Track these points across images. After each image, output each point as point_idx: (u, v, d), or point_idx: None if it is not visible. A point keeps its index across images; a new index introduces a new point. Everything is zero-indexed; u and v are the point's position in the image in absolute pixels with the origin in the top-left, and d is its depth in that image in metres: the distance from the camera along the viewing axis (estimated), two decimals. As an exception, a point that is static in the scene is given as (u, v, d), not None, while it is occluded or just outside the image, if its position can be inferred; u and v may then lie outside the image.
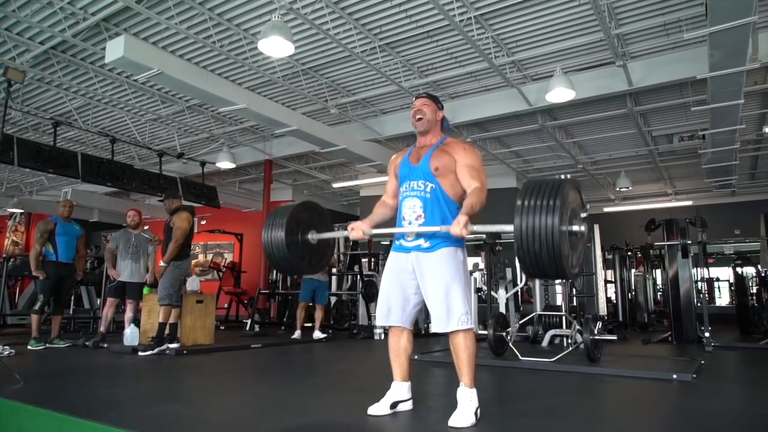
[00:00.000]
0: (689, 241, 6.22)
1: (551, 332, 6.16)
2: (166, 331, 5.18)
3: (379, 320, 2.60)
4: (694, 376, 3.60)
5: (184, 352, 5.06)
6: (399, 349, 2.59)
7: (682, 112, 8.75)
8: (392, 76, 7.24)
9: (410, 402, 2.61)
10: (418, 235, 2.50)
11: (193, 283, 5.97)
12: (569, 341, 4.54)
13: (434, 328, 2.44)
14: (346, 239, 9.93)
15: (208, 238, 13.48)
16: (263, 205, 10.85)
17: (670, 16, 5.93)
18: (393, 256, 2.63)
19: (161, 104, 8.57)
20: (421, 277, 2.48)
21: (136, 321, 5.82)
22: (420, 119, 2.61)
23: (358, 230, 2.61)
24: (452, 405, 2.39)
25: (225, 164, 9.70)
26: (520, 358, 4.42)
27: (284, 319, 8.92)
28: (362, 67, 7.24)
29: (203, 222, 13.82)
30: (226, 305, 11.65)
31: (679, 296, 6.76)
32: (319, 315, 6.97)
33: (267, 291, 9.02)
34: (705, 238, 6.38)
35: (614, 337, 4.34)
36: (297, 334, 6.76)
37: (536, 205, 1.98)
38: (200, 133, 9.83)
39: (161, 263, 5.18)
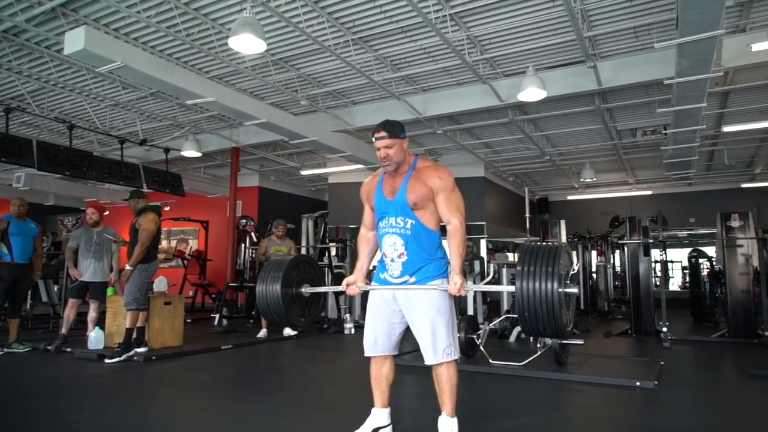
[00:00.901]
0: (651, 240, 6.44)
1: (519, 328, 6.32)
2: (134, 336, 5.06)
3: (367, 351, 2.61)
4: (656, 383, 3.76)
5: (153, 357, 4.96)
6: (381, 377, 2.61)
7: (647, 109, 8.97)
8: (365, 70, 7.14)
9: (390, 428, 2.64)
10: (403, 272, 2.48)
11: (160, 284, 5.82)
12: (539, 345, 4.67)
13: (426, 360, 2.48)
14: (315, 225, 9.87)
15: (172, 224, 13.16)
16: (230, 193, 10.63)
17: (641, 20, 6.02)
18: (377, 289, 2.61)
19: (123, 90, 8.21)
20: (407, 308, 2.50)
21: (101, 323, 5.66)
22: (388, 164, 2.49)
23: (353, 288, 2.62)
24: (430, 426, 2.44)
25: (190, 152, 9.43)
26: (491, 362, 4.52)
27: (253, 312, 8.83)
28: (335, 59, 7.09)
29: (167, 208, 13.48)
30: (191, 293, 11.49)
31: (639, 292, 7.02)
32: (289, 311, 6.92)
33: (235, 284, 8.88)
34: (665, 237, 6.61)
35: (581, 342, 4.49)
36: (262, 333, 6.68)
37: (536, 271, 2.15)
38: (164, 120, 9.50)
39: (127, 266, 5.03)
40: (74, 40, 5.13)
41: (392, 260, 2.49)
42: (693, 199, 13.74)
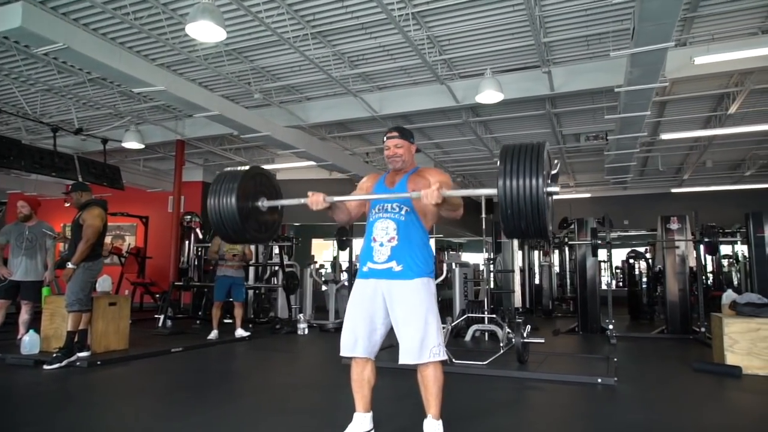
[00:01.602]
0: (599, 242, 6.71)
1: (474, 327, 6.41)
2: (75, 339, 4.70)
3: (344, 351, 2.52)
4: (616, 379, 3.90)
5: (98, 362, 4.63)
6: (362, 381, 2.52)
7: (591, 115, 9.36)
8: (323, 65, 6.99)
9: (372, 432, 2.57)
10: (390, 257, 2.45)
11: (104, 284, 5.44)
12: (502, 344, 4.74)
13: (403, 359, 2.41)
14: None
15: (108, 219, 12.40)
16: (174, 187, 10.15)
17: (593, 30, 6.25)
18: (360, 283, 2.56)
19: (58, 74, 7.62)
20: (392, 306, 2.45)
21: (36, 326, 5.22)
22: (396, 161, 2.59)
23: (317, 196, 2.47)
24: (407, 428, 2.40)
25: (132, 144, 8.90)
26: (454, 361, 4.54)
27: (199, 312, 8.47)
28: (291, 53, 6.91)
29: (102, 202, 12.67)
30: (126, 292, 10.89)
31: (586, 291, 7.30)
32: (239, 312, 6.66)
33: (181, 283, 8.47)
34: (611, 239, 6.91)
35: (542, 341, 4.60)
36: (213, 334, 6.40)
37: (519, 169, 2.03)
38: (103, 108, 8.92)
39: (70, 265, 4.66)
40: (9, 17, 4.68)
41: (381, 244, 2.48)
42: (628, 202, 14.50)
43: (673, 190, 14.03)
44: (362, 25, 6.24)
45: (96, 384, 4.09)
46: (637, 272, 9.74)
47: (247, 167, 2.73)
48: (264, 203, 2.66)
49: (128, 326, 5.43)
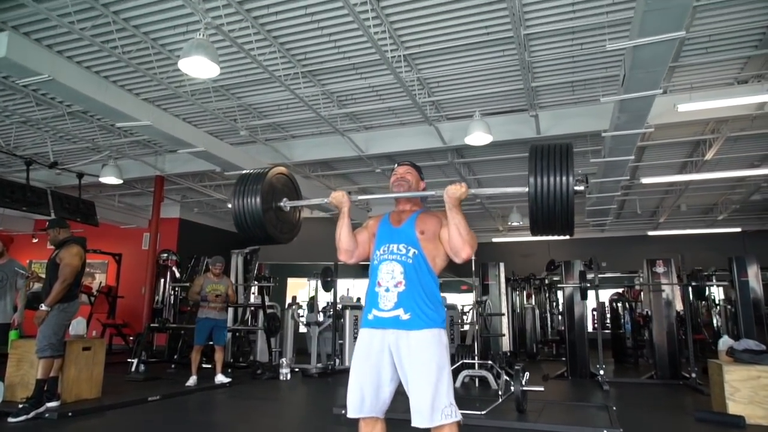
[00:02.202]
0: (588, 285, 6.68)
1: (465, 373, 6.23)
2: (45, 388, 4.35)
3: (351, 411, 2.30)
4: (621, 431, 3.77)
5: (69, 414, 4.27)
6: (373, 443, 2.32)
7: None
8: (311, 103, 6.96)
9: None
10: (397, 304, 2.27)
11: (78, 327, 5.11)
12: (500, 392, 4.56)
13: (415, 421, 2.22)
14: (246, 262, 9.30)
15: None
16: (151, 224, 9.83)
17: (579, 76, 6.41)
18: (365, 333, 2.36)
19: (36, 107, 7.40)
20: (401, 361, 2.24)
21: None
22: (401, 184, 2.51)
23: (340, 192, 2.48)
24: None
25: (109, 179, 8.63)
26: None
27: (175, 356, 8.05)
28: (279, 91, 6.88)
29: (73, 239, 12.20)
30: (94, 333, 10.37)
31: (575, 335, 7.22)
32: (219, 357, 6.33)
33: (157, 325, 8.09)
34: (598, 282, 6.90)
35: (542, 389, 4.46)
36: (192, 380, 6.04)
37: (549, 166, 2.11)
38: (80, 142, 8.67)
39: (43, 306, 4.35)
40: (-6, 47, 4.53)
41: (387, 290, 2.30)
42: (606, 244, 14.68)
43: (650, 233, 14.30)
44: (353, 65, 6.27)
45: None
46: (621, 314, 9.75)
47: (269, 168, 2.73)
48: (287, 203, 2.71)
49: (102, 373, 5.08)
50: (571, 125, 7.25)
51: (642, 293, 10.87)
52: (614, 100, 5.36)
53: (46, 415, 4.20)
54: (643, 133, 6.44)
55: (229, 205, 2.74)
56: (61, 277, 4.41)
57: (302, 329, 9.03)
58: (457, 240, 2.27)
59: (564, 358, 10.11)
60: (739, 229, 13.59)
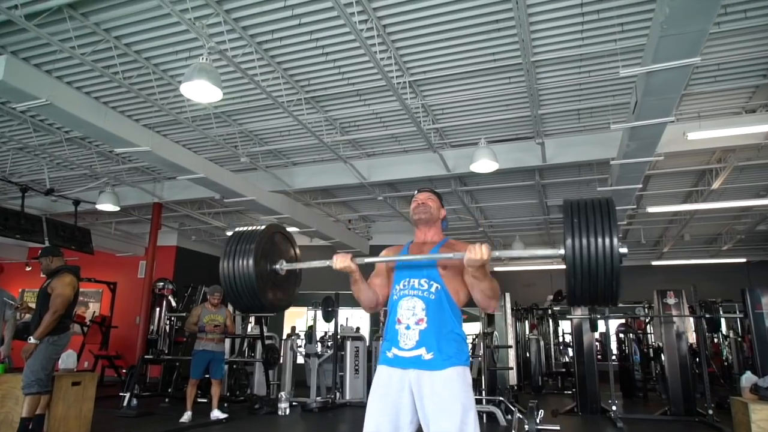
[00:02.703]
0: (599, 316, 6.48)
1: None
2: (30, 427, 4.09)
3: None
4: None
5: (55, 456, 4.01)
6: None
7: (576, 186, 9.43)
8: (315, 130, 6.86)
9: None
10: (419, 343, 2.10)
11: (68, 360, 4.86)
12: (513, 430, 4.31)
13: None
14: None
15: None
16: (148, 252, 9.61)
17: (585, 104, 6.34)
18: (383, 371, 2.18)
19: (33, 133, 7.28)
20: (422, 402, 2.06)
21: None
22: (422, 212, 2.35)
23: (344, 257, 2.21)
24: None
25: (107, 206, 8.46)
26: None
27: (169, 390, 7.74)
28: (280, 117, 6.80)
29: (67, 267, 11.95)
30: (86, 364, 10.04)
31: (584, 368, 6.97)
32: (216, 391, 6.05)
33: (151, 357, 7.80)
34: (609, 313, 6.69)
35: (557, 428, 4.21)
36: (186, 417, 5.75)
37: (590, 225, 1.83)
38: (77, 169, 8.53)
39: (32, 339, 4.13)
40: (-9, 71, 4.42)
41: (407, 327, 2.14)
42: (608, 273, 14.44)
43: (654, 263, 14.12)
44: (357, 91, 6.20)
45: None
46: (628, 346, 9.49)
47: (263, 225, 2.44)
48: (283, 266, 2.37)
49: (92, 409, 4.81)
50: (578, 153, 7.16)
51: (648, 324, 10.65)
52: (625, 127, 5.27)
53: (30, 457, 3.93)
54: (650, 162, 6.34)
55: (222, 266, 2.38)
56: (51, 308, 4.20)
57: (300, 360, 8.73)
58: (483, 301, 2.15)
59: (569, 391, 9.87)
60: (744, 260, 13.44)
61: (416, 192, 2.44)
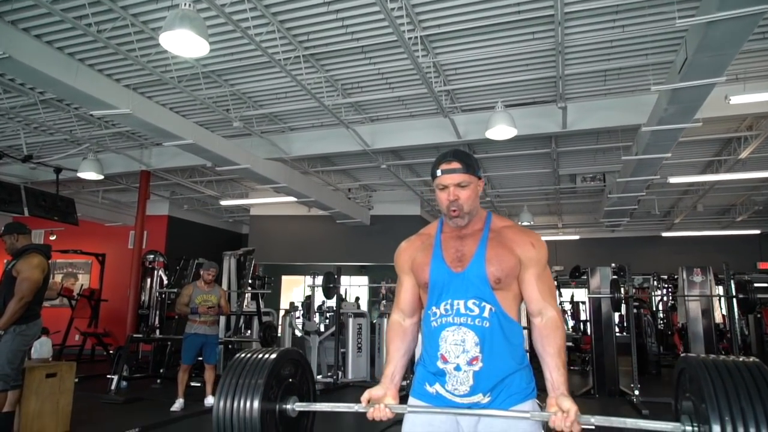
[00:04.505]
0: (622, 295, 6.02)
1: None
2: (-3, 427, 3.63)
3: None
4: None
5: (25, 461, 3.55)
6: None
7: (592, 155, 8.87)
8: (314, 91, 6.23)
9: None
10: (474, 388, 1.57)
11: (42, 349, 4.37)
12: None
13: None
14: (240, 265, 8.56)
15: (60, 256, 11.13)
16: (136, 223, 9.05)
17: (614, 64, 5.72)
18: (420, 410, 1.66)
19: (3, 94, 6.62)
20: None
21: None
22: (457, 215, 1.66)
23: (381, 410, 1.62)
24: None
25: (89, 175, 7.84)
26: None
27: (161, 370, 7.32)
28: (276, 77, 6.16)
29: (53, 237, 11.45)
30: (77, 337, 9.63)
31: (602, 348, 6.56)
32: (210, 377, 5.58)
33: (140, 336, 7.34)
34: (630, 289, 6.23)
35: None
36: (178, 404, 5.32)
37: (748, 406, 1.26)
38: (57, 134, 7.89)
39: (-5, 330, 3.62)
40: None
41: (457, 368, 1.59)
42: (615, 245, 14.07)
43: (664, 234, 13.69)
44: (362, 48, 5.55)
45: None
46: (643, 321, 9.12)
47: (274, 351, 1.82)
48: (295, 406, 1.80)
49: (71, 402, 4.34)
50: (601, 119, 6.57)
51: (657, 298, 10.28)
52: (667, 88, 4.66)
53: (-3, 463, 3.47)
54: (684, 129, 5.77)
55: (217, 407, 1.68)
56: (17, 295, 3.67)
57: (299, 333, 8.30)
58: None
59: (576, 367, 9.54)
60: (757, 231, 13.02)
61: (439, 170, 1.66)
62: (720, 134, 7.81)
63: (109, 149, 8.42)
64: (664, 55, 5.37)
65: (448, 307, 1.62)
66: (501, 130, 6.00)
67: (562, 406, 1.49)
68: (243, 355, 1.83)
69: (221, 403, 1.71)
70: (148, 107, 5.84)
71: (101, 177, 8.07)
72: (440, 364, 1.61)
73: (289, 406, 1.79)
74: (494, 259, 1.62)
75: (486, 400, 1.58)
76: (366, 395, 1.68)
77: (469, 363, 1.57)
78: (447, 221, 1.72)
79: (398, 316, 1.81)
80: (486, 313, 1.59)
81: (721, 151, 8.53)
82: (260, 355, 1.80)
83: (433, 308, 1.65)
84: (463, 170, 1.64)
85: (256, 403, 1.67)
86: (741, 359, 1.40)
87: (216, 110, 6.76)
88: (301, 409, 1.81)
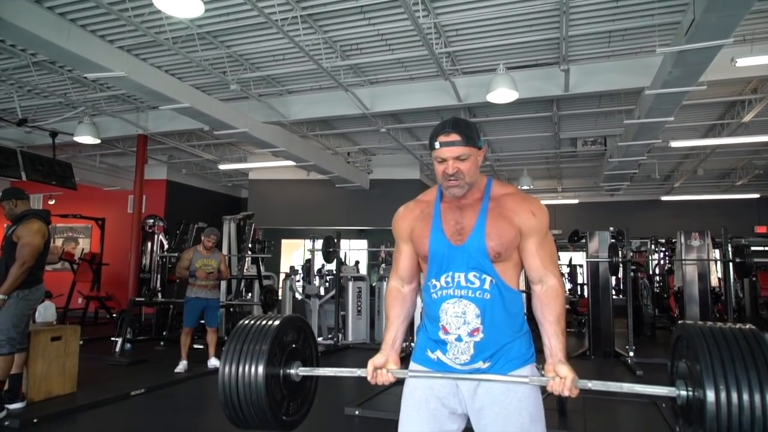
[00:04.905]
0: (620, 260, 6.06)
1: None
2: (6, 388, 3.71)
3: None
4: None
5: (34, 420, 3.63)
6: None
7: (593, 119, 8.78)
8: (311, 53, 6.09)
9: None
10: (475, 357, 1.60)
11: (46, 313, 4.43)
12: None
13: None
14: (239, 229, 8.58)
15: (59, 220, 11.14)
16: (135, 187, 9.02)
17: (619, 25, 5.58)
18: (421, 372, 1.69)
19: (-5, 55, 6.48)
20: (478, 414, 1.61)
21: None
22: (456, 186, 1.62)
23: (383, 374, 1.65)
24: None
25: (85, 139, 7.76)
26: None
27: (164, 332, 7.44)
28: (274, 39, 6.01)
29: (51, 202, 11.44)
30: (79, 300, 9.76)
31: (599, 310, 6.66)
32: (212, 339, 5.68)
33: (143, 300, 7.42)
34: (627, 253, 6.28)
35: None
36: (182, 366, 5.44)
37: (743, 373, 1.28)
38: (51, 97, 7.76)
39: (-1, 295, 3.65)
40: None
41: (458, 338, 1.60)
42: (615, 209, 14.08)
43: (663, 198, 13.69)
44: (361, 8, 5.39)
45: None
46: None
47: (277, 318, 1.83)
48: (299, 371, 1.82)
49: (76, 364, 4.43)
50: (605, 81, 6.46)
51: (654, 262, 10.38)
52: (672, 50, 4.57)
53: (6, 423, 3.56)
54: (689, 92, 5.68)
55: (222, 372, 1.68)
56: (19, 260, 3.69)
57: (299, 295, 8.40)
58: None
59: (573, 329, 9.71)
60: (756, 195, 13.02)
61: (437, 142, 1.60)
62: (724, 97, 7.71)
63: (105, 113, 8.30)
64: (671, 15, 5.23)
65: (449, 279, 1.62)
66: (502, 94, 5.91)
67: (560, 372, 1.52)
68: (247, 321, 1.85)
69: (227, 369, 1.73)
70: (143, 70, 5.73)
71: (98, 141, 7.99)
72: (441, 335, 1.63)
73: (292, 371, 1.81)
74: (494, 233, 1.60)
75: (486, 365, 1.60)
76: (370, 367, 1.69)
77: (470, 334, 1.59)
78: (446, 192, 1.68)
79: (397, 282, 1.82)
80: (486, 285, 1.60)
81: (725, 114, 8.44)
82: (264, 322, 1.82)
83: (433, 281, 1.65)
84: (462, 143, 1.59)
85: (260, 369, 1.69)
86: (738, 326, 1.41)
87: (212, 72, 6.63)
88: (305, 373, 1.84)
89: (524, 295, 1.77)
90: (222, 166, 11.30)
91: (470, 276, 1.60)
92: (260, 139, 7.85)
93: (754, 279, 7.77)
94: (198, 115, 6.75)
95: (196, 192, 13.02)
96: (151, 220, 8.90)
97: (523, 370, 1.61)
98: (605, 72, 6.41)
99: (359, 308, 7.92)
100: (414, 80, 7.27)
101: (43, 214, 4.04)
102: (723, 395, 1.27)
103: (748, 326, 1.40)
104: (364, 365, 1.70)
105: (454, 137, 1.58)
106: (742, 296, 8.52)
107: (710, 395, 1.28)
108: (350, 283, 7.92)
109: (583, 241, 7.33)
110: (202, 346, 6.21)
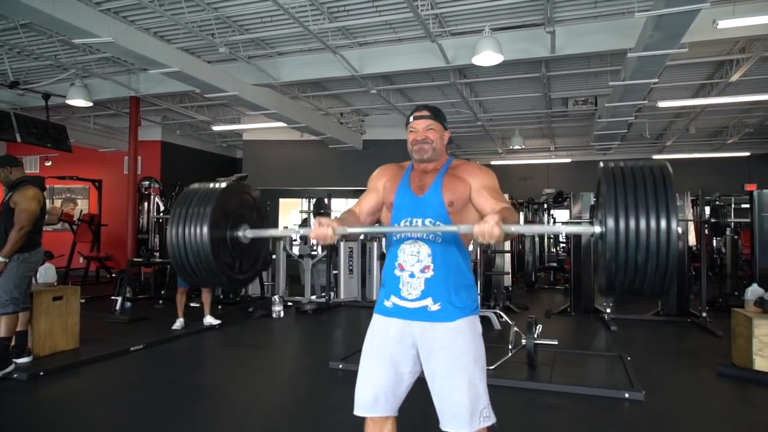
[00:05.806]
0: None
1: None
2: (12, 344, 3.97)
3: (360, 409, 1.91)
4: (644, 393, 3.47)
5: (40, 373, 3.91)
6: (380, 445, 1.95)
7: (584, 78, 8.79)
8: (299, 16, 6.11)
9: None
10: (424, 293, 1.85)
11: (46, 274, 4.66)
12: (509, 346, 4.21)
13: (447, 426, 1.83)
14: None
15: (56, 182, 11.30)
16: (129, 149, 9.11)
17: (605, -15, 5.59)
18: (380, 321, 1.93)
19: (-18, 18, 6.48)
20: (428, 355, 1.85)
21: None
22: (424, 149, 1.94)
23: (326, 227, 1.79)
24: None
25: (77, 101, 7.82)
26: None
27: (162, 291, 7.72)
28: (261, 1, 6.00)
29: (48, 164, 11.57)
30: (81, 260, 10.04)
31: (580, 269, 6.92)
32: (206, 298, 5.95)
33: (141, 260, 7.67)
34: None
35: (555, 342, 4.14)
36: (178, 323, 5.72)
37: (640, 202, 1.42)
38: (42, 59, 7.77)
39: (0, 258, 3.86)
40: None
41: (411, 275, 1.88)
42: (606, 167, 14.17)
43: (655, 157, 13.78)
44: (347, -30, 5.39)
45: (36, 405, 3.41)
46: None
47: (221, 182, 1.98)
48: (246, 233, 1.95)
49: (78, 322, 4.70)
50: (591, 43, 6.48)
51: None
52: (651, 14, 4.62)
53: (15, 375, 3.84)
54: (671, 54, 5.73)
55: (170, 234, 1.84)
56: (17, 225, 3.89)
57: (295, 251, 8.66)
58: None
59: (560, 287, 10.03)
60: (747, 154, 13.12)
61: (411, 117, 1.97)
62: (712, 57, 7.72)
63: (97, 75, 8.32)
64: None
65: (408, 223, 1.91)
66: (487, 56, 5.96)
67: (487, 217, 1.63)
68: (192, 187, 1.96)
69: (173, 231, 1.83)
70: (131, 34, 5.77)
71: (89, 104, 8.05)
72: (397, 272, 1.89)
73: (240, 233, 1.95)
74: (448, 185, 1.91)
75: (435, 308, 1.84)
76: (316, 220, 1.85)
77: (422, 271, 1.86)
78: (413, 157, 1.98)
79: (355, 208, 2.06)
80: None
81: (714, 74, 8.46)
82: (209, 187, 1.93)
83: (396, 226, 1.93)
84: (431, 117, 1.96)
85: (205, 230, 1.79)
86: (649, 164, 1.54)
87: (200, 35, 6.64)
88: (253, 236, 1.98)
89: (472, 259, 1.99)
90: (215, 128, 11.36)
91: (427, 221, 1.88)
92: (251, 102, 7.92)
93: (736, 237, 8.00)
94: (188, 79, 6.81)
95: (191, 153, 13.11)
96: (147, 182, 9.05)
97: (467, 319, 1.85)
98: (591, 33, 6.43)
99: (351, 267, 8.19)
100: (403, 42, 7.27)
101: (38, 181, 4.21)
102: (621, 224, 1.41)
103: (660, 165, 1.52)
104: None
105: (424, 113, 1.97)
106: (724, 252, 8.75)
107: (610, 223, 1.43)
108: (342, 243, 8.14)
109: (567, 202, 7.50)
110: (198, 305, 6.49)
